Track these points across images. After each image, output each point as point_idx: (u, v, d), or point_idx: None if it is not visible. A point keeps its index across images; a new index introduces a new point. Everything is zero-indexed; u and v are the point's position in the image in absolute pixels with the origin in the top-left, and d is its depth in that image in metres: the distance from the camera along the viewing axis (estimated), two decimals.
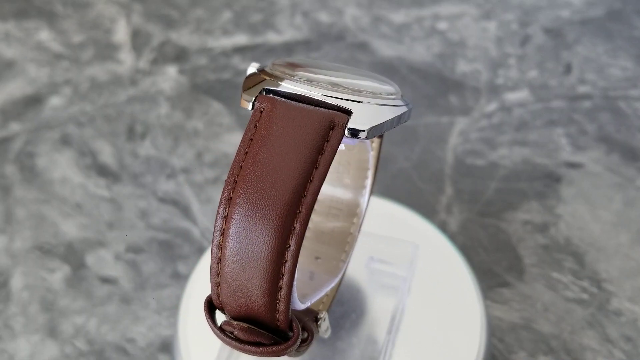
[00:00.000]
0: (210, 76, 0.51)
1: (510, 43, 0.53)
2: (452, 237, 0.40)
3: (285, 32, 0.54)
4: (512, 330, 0.36)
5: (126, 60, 0.52)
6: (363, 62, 0.52)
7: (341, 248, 0.31)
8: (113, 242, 0.41)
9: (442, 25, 0.55)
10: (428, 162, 0.45)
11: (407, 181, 0.44)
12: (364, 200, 0.31)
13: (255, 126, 0.23)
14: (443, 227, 0.41)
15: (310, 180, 0.23)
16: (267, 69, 0.25)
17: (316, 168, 0.23)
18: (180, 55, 0.53)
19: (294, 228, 0.22)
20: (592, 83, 0.50)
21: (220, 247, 0.23)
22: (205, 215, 0.42)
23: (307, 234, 0.31)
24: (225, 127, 0.47)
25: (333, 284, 0.30)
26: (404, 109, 0.25)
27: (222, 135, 0.47)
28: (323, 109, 0.24)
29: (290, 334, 0.24)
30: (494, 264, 0.39)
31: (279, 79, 0.24)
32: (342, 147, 0.25)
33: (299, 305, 0.25)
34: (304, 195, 0.22)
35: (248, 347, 0.23)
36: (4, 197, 0.43)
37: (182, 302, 0.34)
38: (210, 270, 0.23)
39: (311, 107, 0.24)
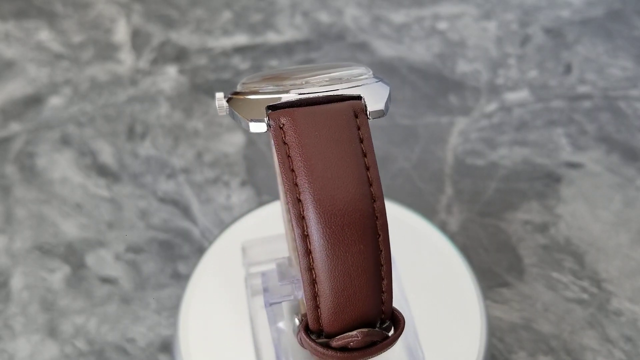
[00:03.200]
0: (210, 76, 0.51)
1: (510, 43, 0.53)
2: (452, 237, 0.40)
3: (285, 32, 0.54)
4: (512, 330, 0.36)
5: (126, 60, 0.52)
6: (363, 62, 0.52)
7: None
8: (113, 242, 0.41)
9: (442, 25, 0.55)
10: (428, 162, 0.45)
11: (407, 181, 0.44)
12: None
13: (285, 142, 0.23)
14: (443, 227, 0.41)
15: (367, 169, 0.23)
16: (242, 90, 0.25)
17: (365, 156, 0.23)
18: (180, 55, 0.53)
19: (377, 217, 0.22)
20: (592, 83, 0.50)
21: (311, 269, 0.22)
22: (205, 215, 0.42)
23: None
24: (225, 127, 0.47)
25: None
26: (388, 85, 0.25)
27: (222, 135, 0.47)
28: (338, 103, 0.24)
29: (388, 322, 0.24)
30: (494, 264, 0.39)
31: (271, 93, 0.24)
32: None
33: None
34: (370, 185, 0.23)
35: (369, 351, 0.23)
36: (4, 197, 0.43)
37: (182, 302, 0.34)
38: (305, 297, 0.23)
39: (327, 105, 0.24)
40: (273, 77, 0.25)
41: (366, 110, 0.24)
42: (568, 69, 0.51)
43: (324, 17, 0.56)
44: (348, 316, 0.23)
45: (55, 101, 0.49)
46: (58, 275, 0.39)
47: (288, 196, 0.22)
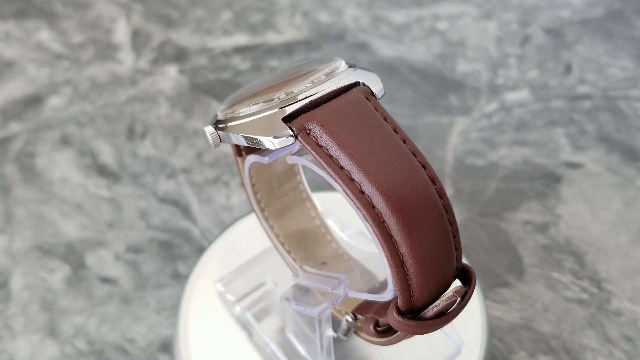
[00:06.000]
0: (210, 76, 0.51)
1: (510, 43, 0.53)
2: None
3: (285, 32, 0.54)
4: (512, 330, 0.36)
5: (126, 60, 0.52)
6: (363, 62, 0.52)
7: (325, 240, 0.31)
8: (113, 242, 0.41)
9: (442, 25, 0.55)
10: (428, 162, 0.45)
11: None
12: (304, 187, 0.32)
13: (319, 146, 0.23)
14: None
15: (405, 142, 0.23)
16: (233, 116, 0.24)
17: (396, 132, 0.23)
18: (180, 55, 0.53)
19: (434, 182, 0.23)
20: (592, 83, 0.50)
21: (397, 251, 0.22)
22: (205, 215, 0.42)
23: (287, 239, 0.32)
24: None
25: (373, 264, 0.30)
26: (368, 69, 0.26)
27: None
28: (346, 93, 0.24)
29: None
30: (494, 264, 0.39)
31: (273, 108, 0.23)
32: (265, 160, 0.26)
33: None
34: (415, 156, 0.23)
35: (458, 308, 0.23)
36: (4, 197, 0.43)
37: (182, 302, 0.34)
38: (396, 280, 0.23)
39: (338, 99, 0.24)
40: (257, 94, 0.25)
41: (372, 92, 0.24)
42: (568, 69, 0.51)
43: (324, 17, 0.56)
44: (435, 285, 0.23)
45: (55, 101, 0.49)
46: (58, 275, 0.39)
47: (349, 193, 0.22)
